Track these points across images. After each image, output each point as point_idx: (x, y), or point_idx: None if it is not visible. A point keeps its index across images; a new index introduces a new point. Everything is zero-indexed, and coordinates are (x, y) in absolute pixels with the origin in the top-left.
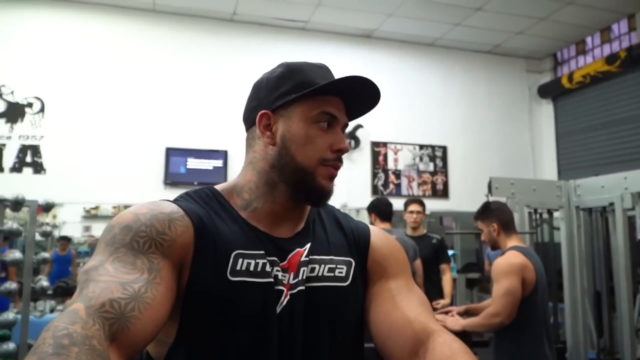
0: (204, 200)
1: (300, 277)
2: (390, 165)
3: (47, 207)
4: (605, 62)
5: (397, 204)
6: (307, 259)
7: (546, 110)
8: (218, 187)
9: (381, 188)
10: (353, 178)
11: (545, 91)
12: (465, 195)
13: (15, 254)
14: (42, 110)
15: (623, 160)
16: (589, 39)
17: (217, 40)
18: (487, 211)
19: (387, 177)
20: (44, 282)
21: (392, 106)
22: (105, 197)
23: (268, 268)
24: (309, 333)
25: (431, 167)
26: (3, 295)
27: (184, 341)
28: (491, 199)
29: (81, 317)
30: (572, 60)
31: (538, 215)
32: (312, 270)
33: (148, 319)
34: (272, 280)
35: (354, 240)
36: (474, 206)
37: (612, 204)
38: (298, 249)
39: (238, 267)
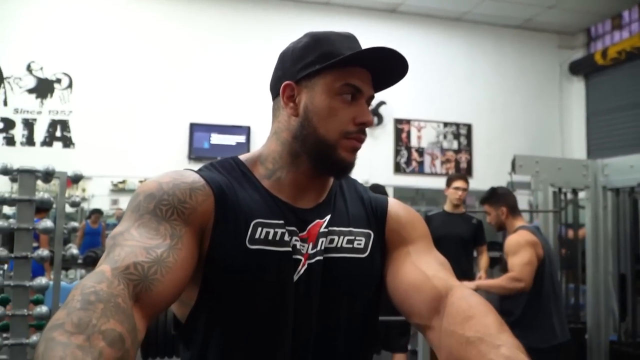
0: (226, 169)
1: (318, 248)
2: (414, 142)
3: (76, 179)
4: None
5: (420, 181)
6: (326, 230)
7: (577, 88)
8: (242, 156)
9: (403, 165)
10: (375, 155)
11: (577, 68)
12: (489, 174)
13: (47, 223)
14: (70, 85)
15: None
16: (625, 13)
17: (239, 17)
18: (495, 196)
19: (409, 154)
20: (74, 250)
21: (417, 83)
22: (132, 171)
23: (287, 237)
24: (326, 302)
25: (455, 145)
26: (36, 261)
27: (204, 304)
28: (514, 177)
29: (107, 278)
30: (606, 35)
31: (563, 195)
32: (331, 241)
33: (169, 282)
34: (290, 249)
35: (372, 212)
36: (499, 185)
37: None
38: (318, 220)
39: (257, 236)
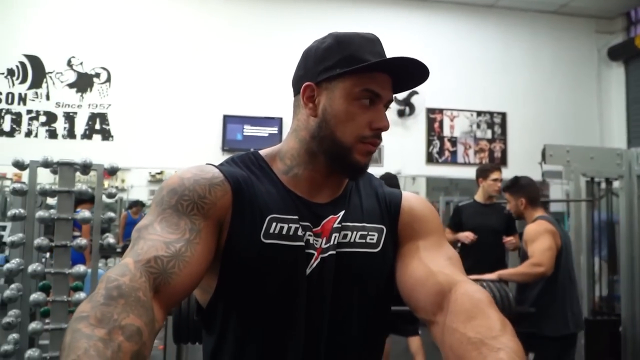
0: (246, 164)
1: (331, 242)
2: (446, 132)
3: (112, 171)
4: None
5: (452, 171)
6: (339, 225)
7: (616, 74)
8: (262, 151)
9: (436, 155)
10: (407, 145)
11: (616, 53)
12: (524, 164)
13: (85, 213)
14: (108, 80)
15: None
16: None
17: (271, 9)
18: (516, 186)
19: (442, 144)
20: (111, 240)
21: (449, 72)
22: (169, 162)
23: (300, 232)
24: (338, 295)
25: (489, 134)
26: (75, 250)
27: (222, 292)
28: (545, 167)
29: (130, 270)
30: None
31: (597, 185)
32: (345, 236)
33: (186, 275)
34: (303, 243)
35: (386, 207)
36: (534, 175)
37: None
38: (332, 216)
39: (271, 230)
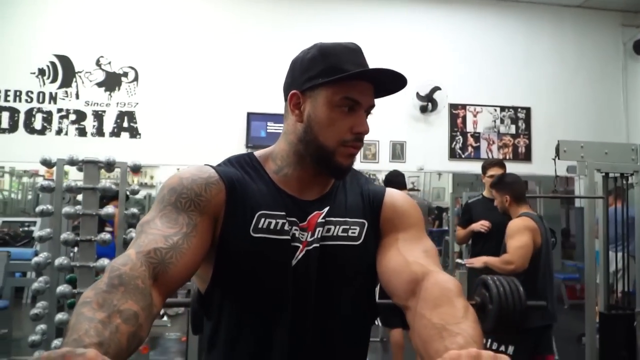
0: (241, 165)
1: (316, 236)
2: (469, 127)
3: (135, 169)
4: None
5: (476, 167)
6: (323, 220)
7: None
8: (257, 153)
9: (459, 151)
10: (430, 141)
11: None
12: (549, 159)
13: (109, 209)
14: (136, 79)
15: None
16: None
17: (295, 6)
18: (502, 183)
19: (465, 140)
20: (134, 234)
21: (472, 67)
22: (195, 159)
23: (287, 227)
24: (322, 284)
25: (513, 130)
26: (99, 244)
27: (217, 281)
28: (559, 163)
29: (132, 260)
30: None
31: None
32: (328, 230)
33: (183, 265)
34: (289, 237)
35: (369, 203)
36: (559, 170)
37: None
38: (317, 212)
39: (260, 225)
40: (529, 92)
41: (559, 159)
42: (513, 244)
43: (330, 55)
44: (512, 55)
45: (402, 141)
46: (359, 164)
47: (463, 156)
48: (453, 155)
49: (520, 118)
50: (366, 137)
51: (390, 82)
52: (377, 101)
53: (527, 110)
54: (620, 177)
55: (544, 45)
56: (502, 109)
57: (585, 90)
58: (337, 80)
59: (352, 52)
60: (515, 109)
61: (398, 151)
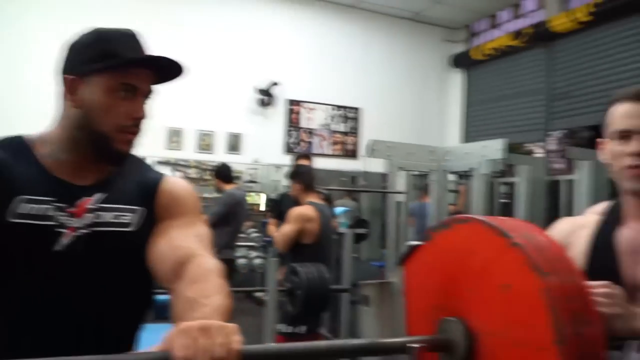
0: (3, 147)
1: (85, 222)
2: (304, 123)
3: None
4: (513, 37)
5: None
6: (95, 206)
7: (457, 80)
8: (27, 136)
9: (292, 146)
10: (266, 135)
11: (457, 61)
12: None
13: None
14: None
15: (524, 129)
16: (501, 14)
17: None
18: (294, 174)
19: (299, 135)
20: None
21: (311, 66)
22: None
23: (51, 212)
24: (91, 270)
25: (343, 128)
26: None
27: None
28: (368, 160)
29: None
30: (484, 33)
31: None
32: (99, 216)
33: None
34: (52, 223)
35: (146, 190)
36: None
37: (472, 169)
38: (88, 197)
39: (19, 211)
40: (362, 94)
41: (369, 156)
42: (282, 229)
43: (107, 41)
44: (349, 58)
45: (238, 133)
46: (192, 154)
47: (296, 150)
48: (288, 149)
49: (350, 118)
50: (201, 127)
51: (168, 69)
52: (213, 91)
53: (358, 111)
54: (420, 176)
55: (378, 52)
56: (336, 107)
57: (412, 97)
58: (113, 66)
59: (129, 38)
60: (346, 108)
61: (234, 143)
